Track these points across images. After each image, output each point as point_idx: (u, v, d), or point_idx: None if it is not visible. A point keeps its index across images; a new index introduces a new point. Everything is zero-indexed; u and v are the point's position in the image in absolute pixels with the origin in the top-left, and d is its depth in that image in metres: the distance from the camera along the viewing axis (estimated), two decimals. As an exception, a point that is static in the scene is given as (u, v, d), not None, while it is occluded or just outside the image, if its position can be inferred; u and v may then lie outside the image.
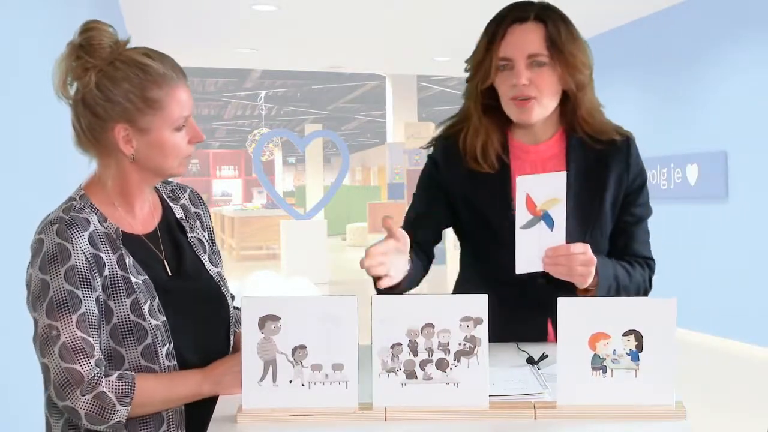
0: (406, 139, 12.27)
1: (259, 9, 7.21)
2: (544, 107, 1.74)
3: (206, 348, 1.55)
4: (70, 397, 1.36)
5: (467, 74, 1.82)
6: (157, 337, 1.46)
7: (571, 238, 1.63)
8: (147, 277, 1.50)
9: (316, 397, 1.29)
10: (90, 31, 1.46)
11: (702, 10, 6.63)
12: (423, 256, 1.82)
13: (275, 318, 1.28)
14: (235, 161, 27.44)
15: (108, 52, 1.45)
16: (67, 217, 1.43)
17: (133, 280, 1.47)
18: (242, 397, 1.30)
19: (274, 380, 1.29)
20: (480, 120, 1.79)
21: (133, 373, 1.42)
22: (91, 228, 1.45)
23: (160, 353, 1.46)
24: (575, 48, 1.73)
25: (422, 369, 1.29)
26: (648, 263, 1.84)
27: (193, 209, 1.69)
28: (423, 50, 9.52)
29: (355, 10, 7.36)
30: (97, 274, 1.43)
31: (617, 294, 1.71)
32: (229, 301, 1.66)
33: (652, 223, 1.88)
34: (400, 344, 1.29)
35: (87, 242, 1.43)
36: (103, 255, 1.45)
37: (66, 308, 1.38)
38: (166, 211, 1.64)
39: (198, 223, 1.68)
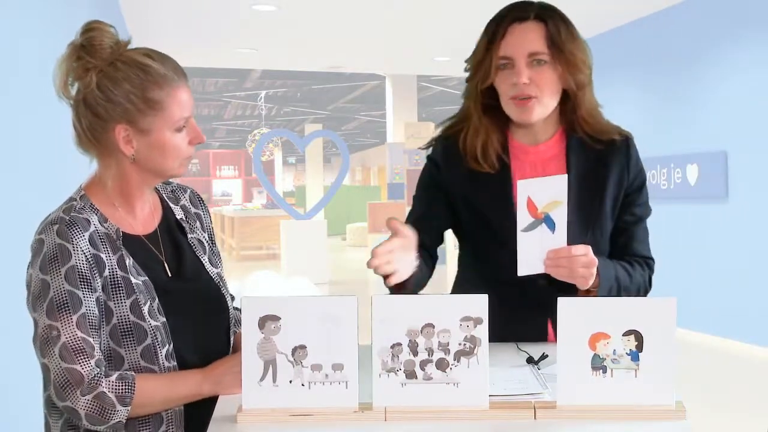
0: (406, 139, 12.26)
1: (259, 9, 7.21)
2: (545, 106, 1.74)
3: (206, 349, 1.55)
4: (71, 397, 1.36)
5: (467, 74, 1.82)
6: (156, 338, 1.46)
7: (571, 238, 1.64)
8: (147, 277, 1.50)
9: (316, 397, 1.29)
10: (91, 31, 1.46)
11: (702, 10, 6.63)
12: (427, 258, 1.81)
13: (275, 318, 1.29)
14: (235, 161, 27.43)
15: (109, 52, 1.46)
16: (68, 218, 1.43)
17: (133, 280, 1.47)
18: (242, 397, 1.30)
19: (274, 380, 1.29)
20: (480, 120, 1.79)
21: (133, 373, 1.42)
22: (92, 228, 1.45)
23: (159, 354, 1.46)
24: (575, 47, 1.73)
25: (422, 369, 1.29)
26: (648, 263, 1.84)
27: (193, 210, 1.69)
28: (423, 50, 9.52)
29: (355, 10, 7.36)
30: (97, 274, 1.43)
31: (618, 294, 1.72)
32: (228, 302, 1.66)
33: (652, 223, 1.88)
34: (400, 344, 1.29)
35: (87, 243, 1.43)
36: (103, 255, 1.45)
37: (66, 308, 1.38)
38: (167, 211, 1.64)
39: (198, 223, 1.68)
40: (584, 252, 1.62)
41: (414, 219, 1.86)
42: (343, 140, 12.14)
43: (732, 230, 6.31)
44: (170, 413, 1.48)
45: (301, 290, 7.46)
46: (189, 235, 1.64)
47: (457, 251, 1.99)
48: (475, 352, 1.29)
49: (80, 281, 1.40)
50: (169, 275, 1.56)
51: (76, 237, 1.42)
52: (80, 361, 1.37)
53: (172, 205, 1.66)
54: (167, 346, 1.48)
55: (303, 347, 1.29)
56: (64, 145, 1.68)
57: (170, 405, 1.46)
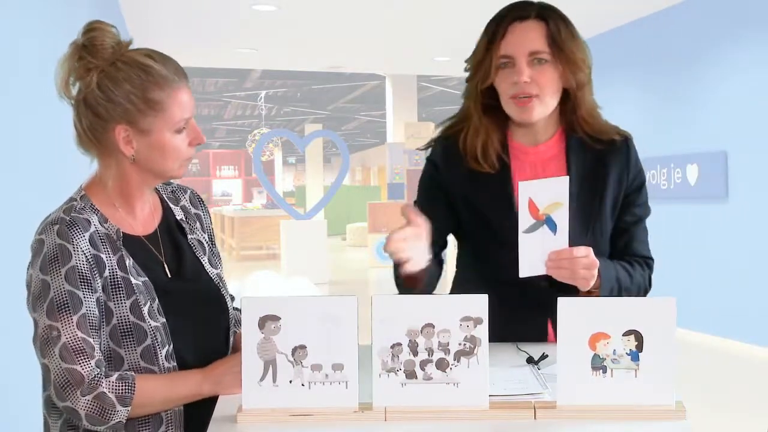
0: (406, 139, 12.25)
1: (259, 9, 7.22)
2: (546, 105, 1.74)
3: (205, 349, 1.55)
4: (71, 397, 1.36)
5: (467, 74, 1.82)
6: (156, 339, 1.46)
7: (571, 238, 1.64)
8: (147, 278, 1.50)
9: (316, 397, 1.29)
10: (93, 31, 1.46)
11: (702, 10, 6.63)
12: (435, 261, 1.81)
13: (275, 318, 1.29)
14: (235, 161, 27.42)
15: (110, 52, 1.46)
16: (68, 218, 1.43)
17: (133, 281, 1.47)
18: (242, 397, 1.31)
19: (274, 380, 1.29)
20: (480, 120, 1.79)
21: (133, 373, 1.42)
22: (92, 229, 1.45)
23: (159, 354, 1.46)
24: (575, 46, 1.73)
25: (422, 369, 1.29)
26: (647, 262, 1.85)
27: (193, 210, 1.69)
28: (423, 50, 9.52)
29: (355, 10, 7.36)
30: (97, 275, 1.43)
31: (619, 295, 1.72)
32: (228, 303, 1.65)
33: (651, 222, 1.88)
34: (400, 344, 1.29)
35: (88, 243, 1.43)
36: (103, 256, 1.45)
37: (66, 309, 1.38)
38: (167, 212, 1.64)
39: (198, 224, 1.68)
40: (585, 253, 1.62)
41: None
42: (343, 140, 12.14)
43: (732, 230, 6.31)
44: (170, 413, 1.48)
45: (301, 290, 7.46)
46: (189, 236, 1.64)
47: (455, 251, 1.99)
48: (475, 352, 1.29)
49: (80, 281, 1.40)
50: (169, 276, 1.56)
51: (77, 237, 1.42)
52: (80, 361, 1.37)
53: (172, 206, 1.66)
54: (167, 346, 1.48)
55: (303, 347, 1.29)
56: (64, 145, 1.68)
57: (170, 405, 1.46)
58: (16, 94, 2.43)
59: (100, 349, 1.41)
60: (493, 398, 1.31)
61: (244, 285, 7.34)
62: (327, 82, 15.79)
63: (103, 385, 1.37)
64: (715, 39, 6.50)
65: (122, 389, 1.38)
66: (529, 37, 1.71)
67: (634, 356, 1.28)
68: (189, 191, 1.72)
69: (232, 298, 1.69)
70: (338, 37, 8.67)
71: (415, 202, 1.92)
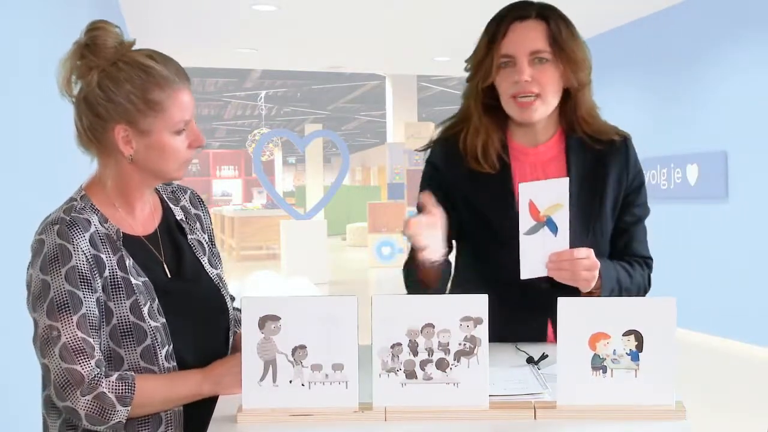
0: (406, 139, 12.25)
1: (259, 9, 7.22)
2: (547, 105, 1.74)
3: (205, 350, 1.55)
4: (71, 397, 1.36)
5: (467, 74, 1.82)
6: (156, 339, 1.46)
7: (571, 239, 1.64)
8: (147, 278, 1.50)
9: (316, 397, 1.29)
10: (95, 30, 1.46)
11: (702, 10, 6.63)
12: (445, 261, 1.80)
13: (275, 318, 1.29)
14: (235, 161, 27.43)
15: (112, 52, 1.46)
16: (68, 218, 1.43)
17: (133, 281, 1.47)
18: (242, 397, 1.31)
19: (274, 380, 1.29)
20: (480, 119, 1.79)
21: (133, 373, 1.42)
22: (92, 229, 1.45)
23: (159, 355, 1.46)
24: (576, 46, 1.74)
25: (422, 369, 1.29)
26: (647, 262, 1.85)
27: (193, 211, 1.69)
28: (423, 50, 9.52)
29: (355, 10, 7.36)
30: (97, 275, 1.43)
31: (619, 295, 1.72)
32: (228, 303, 1.65)
33: (651, 223, 1.88)
34: (400, 344, 1.29)
35: (88, 243, 1.43)
36: (103, 256, 1.45)
37: (67, 309, 1.38)
38: (167, 212, 1.64)
39: (198, 224, 1.68)
40: (586, 255, 1.62)
41: None
42: (343, 140, 12.13)
43: (732, 230, 6.31)
44: (169, 413, 1.48)
45: (301, 290, 7.46)
46: (189, 236, 1.64)
47: (455, 251, 1.98)
48: (475, 352, 1.29)
49: (80, 281, 1.40)
50: (169, 276, 1.56)
51: (77, 237, 1.42)
52: (80, 361, 1.37)
53: (172, 206, 1.66)
54: (167, 346, 1.48)
55: (303, 347, 1.29)
56: (64, 144, 1.68)
57: (170, 405, 1.46)
58: (16, 94, 2.43)
59: (100, 349, 1.41)
60: (493, 398, 1.31)
61: (244, 285, 7.34)
62: (327, 82, 15.79)
63: (103, 385, 1.37)
64: (715, 39, 6.50)
65: (122, 389, 1.38)
66: (529, 37, 1.72)
67: (634, 356, 1.28)
68: (189, 191, 1.72)
69: (232, 299, 1.69)
70: (338, 37, 8.67)
71: (417, 205, 1.91)
